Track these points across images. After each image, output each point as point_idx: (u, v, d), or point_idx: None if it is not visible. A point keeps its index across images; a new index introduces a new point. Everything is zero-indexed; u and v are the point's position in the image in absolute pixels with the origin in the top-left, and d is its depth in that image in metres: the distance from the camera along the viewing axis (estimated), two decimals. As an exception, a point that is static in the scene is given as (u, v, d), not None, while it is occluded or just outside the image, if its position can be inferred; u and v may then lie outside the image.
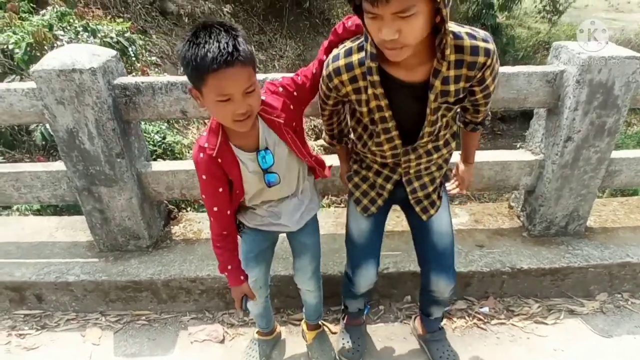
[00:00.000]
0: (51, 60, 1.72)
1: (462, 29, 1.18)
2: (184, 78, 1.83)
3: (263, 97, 1.29)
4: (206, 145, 1.28)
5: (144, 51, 5.27)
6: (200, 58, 1.05)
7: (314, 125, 6.91)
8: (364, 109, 1.31)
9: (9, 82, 3.61)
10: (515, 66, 1.88)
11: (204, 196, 1.36)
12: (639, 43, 12.32)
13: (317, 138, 7.11)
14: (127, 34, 4.44)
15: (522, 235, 2.20)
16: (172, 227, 2.34)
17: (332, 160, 2.09)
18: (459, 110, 1.47)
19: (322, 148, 6.72)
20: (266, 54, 8.41)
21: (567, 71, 1.83)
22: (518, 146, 5.53)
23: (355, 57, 1.24)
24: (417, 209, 1.49)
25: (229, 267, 1.44)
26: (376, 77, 1.22)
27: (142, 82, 1.79)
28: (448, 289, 1.56)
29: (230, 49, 1.06)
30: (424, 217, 1.51)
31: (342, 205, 4.55)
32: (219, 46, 1.05)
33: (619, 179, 2.15)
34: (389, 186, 1.48)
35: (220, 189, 1.34)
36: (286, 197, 1.49)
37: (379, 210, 1.55)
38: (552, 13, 11.05)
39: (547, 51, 10.31)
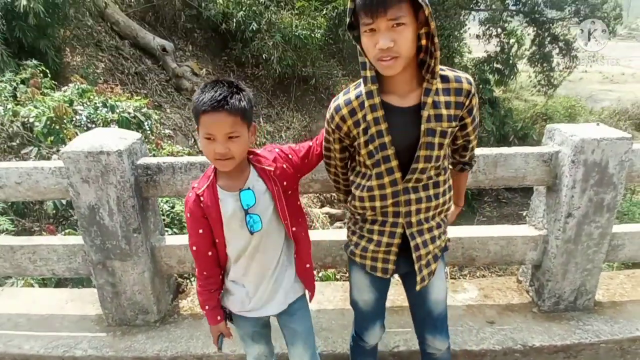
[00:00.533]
0: (80, 143, 1.87)
1: (444, 67, 1.36)
2: (202, 158, 1.96)
3: (258, 151, 1.47)
4: (196, 185, 1.45)
5: (158, 125, 5.54)
6: (198, 101, 1.30)
7: (320, 193, 7.04)
8: (362, 140, 1.36)
9: (26, 153, 3.79)
10: (512, 147, 2.00)
11: (188, 234, 1.48)
12: (636, 112, 12.79)
13: (322, 206, 7.21)
14: (144, 110, 4.69)
15: (532, 310, 2.19)
16: (179, 301, 2.35)
17: (332, 235, 2.14)
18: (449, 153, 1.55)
19: (327, 215, 6.80)
20: (274, 125, 8.79)
21: (562, 152, 1.94)
22: (524, 214, 5.58)
23: (352, 93, 1.38)
24: (418, 278, 1.49)
25: (207, 307, 1.54)
26: (377, 100, 1.31)
27: (164, 162, 1.92)
28: (444, 346, 1.63)
29: (219, 98, 1.27)
30: (418, 287, 1.50)
31: (349, 275, 4.50)
32: (213, 95, 1.28)
33: (622, 253, 2.18)
34: (396, 241, 1.47)
35: (201, 231, 1.44)
36: (270, 272, 1.49)
37: (391, 273, 1.54)
38: (547, 87, 11.61)
39: (545, 122, 10.71)
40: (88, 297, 2.38)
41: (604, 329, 2.06)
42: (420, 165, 1.36)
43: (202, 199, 1.41)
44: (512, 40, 11.05)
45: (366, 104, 1.33)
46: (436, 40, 1.25)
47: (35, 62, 4.77)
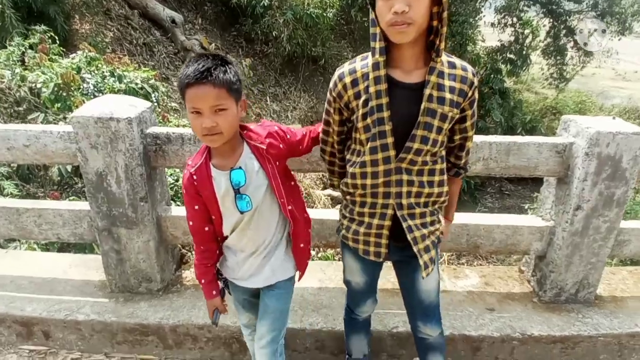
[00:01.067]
0: (90, 108, 1.85)
1: (452, 55, 1.38)
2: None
3: (251, 126, 1.45)
4: (190, 162, 1.44)
5: (165, 97, 5.50)
6: (182, 75, 1.27)
7: (323, 175, 7.03)
8: (360, 112, 1.34)
9: (33, 118, 3.78)
10: (525, 136, 1.97)
11: (185, 209, 1.49)
12: (647, 111, 12.61)
13: (324, 188, 7.22)
14: (151, 81, 4.66)
15: (533, 300, 2.19)
16: (183, 271, 2.37)
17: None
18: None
19: (329, 198, 6.81)
20: (280, 105, 8.73)
21: (576, 143, 1.92)
22: (526, 207, 5.57)
23: (358, 64, 1.36)
24: (421, 262, 1.45)
25: (203, 280, 1.56)
26: (382, 72, 1.29)
27: (173, 133, 1.90)
28: (436, 332, 1.63)
29: (202, 70, 1.24)
30: (424, 274, 1.47)
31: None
32: (196, 67, 1.25)
33: (628, 249, 2.17)
34: (386, 223, 1.44)
35: (196, 207, 1.45)
36: (261, 248, 1.49)
37: (384, 257, 1.52)
38: (559, 80, 11.46)
39: (554, 115, 10.60)
40: (92, 263, 2.40)
41: (603, 323, 2.07)
42: (416, 146, 1.33)
43: (195, 177, 1.40)
44: (527, 31, 10.85)
45: (371, 75, 1.31)
46: (445, 15, 1.23)
47: (44, 27, 4.69)
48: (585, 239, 2.02)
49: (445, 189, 1.47)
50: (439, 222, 1.53)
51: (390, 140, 1.34)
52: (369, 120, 1.34)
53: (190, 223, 1.49)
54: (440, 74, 1.31)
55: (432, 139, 1.33)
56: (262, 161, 1.41)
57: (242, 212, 1.41)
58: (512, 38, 10.81)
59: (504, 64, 10.46)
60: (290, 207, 1.49)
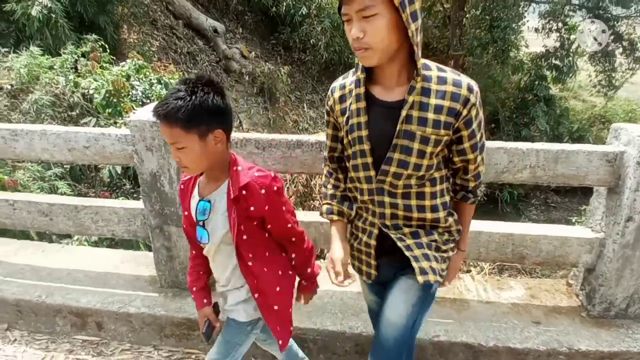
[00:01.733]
0: (146, 112, 1.95)
1: (447, 68, 1.24)
2: (257, 135, 2.01)
3: (239, 166, 1.32)
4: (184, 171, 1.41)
5: (208, 103, 5.67)
6: None
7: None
8: (345, 129, 1.31)
9: (85, 122, 4.01)
10: (574, 144, 1.93)
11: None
12: (699, 121, 11.87)
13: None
14: (195, 89, 4.82)
15: (581, 315, 2.12)
16: (226, 271, 2.44)
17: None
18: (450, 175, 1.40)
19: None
20: (317, 111, 8.83)
21: (627, 152, 1.85)
22: (574, 220, 5.34)
23: (349, 79, 1.33)
24: (416, 266, 1.28)
25: (194, 288, 1.51)
26: (362, 89, 1.25)
27: (222, 136, 1.98)
28: None
29: (156, 106, 1.20)
30: (420, 279, 1.28)
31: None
32: (159, 101, 1.21)
33: (684, 264, 2.07)
34: (372, 242, 1.36)
35: (186, 213, 1.43)
36: (222, 281, 1.45)
37: (377, 278, 1.43)
38: (607, 87, 10.98)
39: (603, 125, 10.15)
40: (141, 259, 2.52)
41: (655, 340, 1.97)
42: (392, 169, 1.24)
43: (182, 187, 1.42)
44: (572, 36, 10.47)
45: (353, 92, 1.28)
46: (409, 34, 1.13)
47: (95, 36, 4.94)
48: (637, 251, 1.94)
49: (443, 214, 1.32)
50: (446, 244, 1.36)
51: (369, 159, 1.27)
52: (350, 138, 1.30)
53: (184, 226, 1.48)
54: (426, 92, 1.20)
55: (413, 163, 1.22)
56: (229, 206, 1.30)
57: (199, 242, 1.40)
58: (558, 44, 10.44)
59: (549, 71, 10.12)
60: (250, 264, 1.35)
